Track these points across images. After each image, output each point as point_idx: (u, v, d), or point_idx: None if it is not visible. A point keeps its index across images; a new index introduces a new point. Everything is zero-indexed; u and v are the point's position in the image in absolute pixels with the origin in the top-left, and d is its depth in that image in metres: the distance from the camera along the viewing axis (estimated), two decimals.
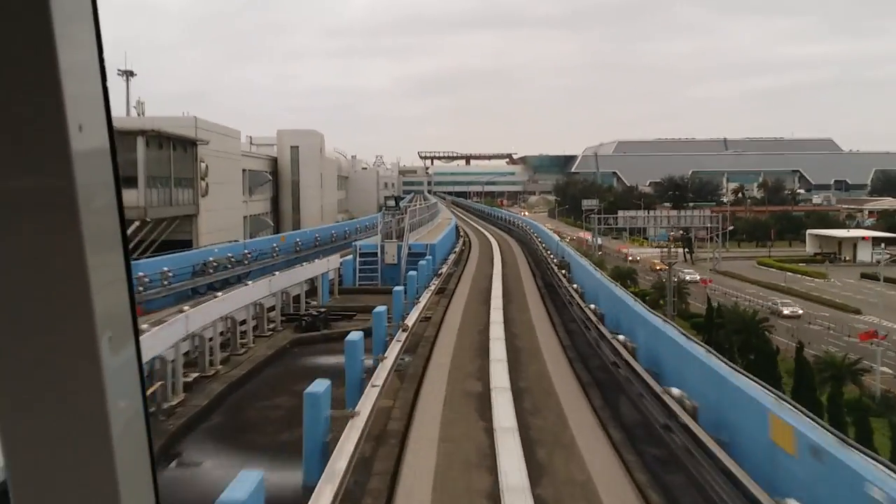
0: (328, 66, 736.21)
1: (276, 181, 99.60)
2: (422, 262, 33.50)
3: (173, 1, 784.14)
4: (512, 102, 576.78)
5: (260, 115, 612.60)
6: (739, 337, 56.54)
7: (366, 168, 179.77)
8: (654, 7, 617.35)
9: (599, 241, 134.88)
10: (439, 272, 35.22)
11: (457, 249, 50.39)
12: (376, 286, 37.21)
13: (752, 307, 79.99)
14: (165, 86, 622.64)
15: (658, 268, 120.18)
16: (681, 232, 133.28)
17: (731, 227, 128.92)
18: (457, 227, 64.91)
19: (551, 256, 41.46)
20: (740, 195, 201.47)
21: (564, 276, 32.73)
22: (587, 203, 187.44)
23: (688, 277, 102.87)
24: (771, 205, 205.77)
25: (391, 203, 41.89)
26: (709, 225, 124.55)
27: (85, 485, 1.41)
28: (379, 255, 38.25)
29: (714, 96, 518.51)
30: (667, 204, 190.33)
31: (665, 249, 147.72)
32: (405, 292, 26.79)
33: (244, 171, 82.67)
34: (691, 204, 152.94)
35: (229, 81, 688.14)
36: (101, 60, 1.41)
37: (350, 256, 39.69)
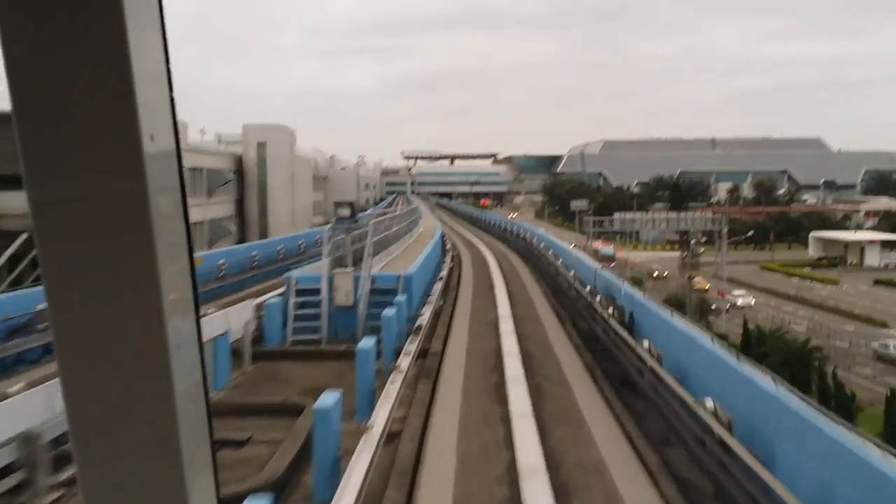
0: (312, 67, 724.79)
1: (241, 182, 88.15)
2: (388, 313, 19.24)
3: (156, 2, 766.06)
4: (496, 103, 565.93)
5: (244, 115, 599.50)
6: (788, 369, 45.07)
7: (345, 168, 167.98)
8: (637, 7, 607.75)
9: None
10: (418, 322, 21.07)
11: (443, 274, 35.85)
12: (319, 343, 22.53)
13: (785, 326, 69.17)
14: None
15: (657, 275, 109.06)
16: (677, 234, 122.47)
17: (726, 229, 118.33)
18: (443, 239, 51.23)
19: (588, 292, 27.13)
20: (735, 195, 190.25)
21: (618, 321, 21.15)
22: (576, 204, 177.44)
23: (740, 301, 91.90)
24: (762, 205, 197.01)
25: (344, 212, 26.42)
26: (711, 228, 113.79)
27: (151, 478, 1.46)
28: (324, 292, 22.81)
29: (697, 96, 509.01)
30: (658, 204, 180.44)
31: (667, 251, 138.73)
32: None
33: (197, 170, 70.96)
34: (691, 204, 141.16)
35: (213, 81, 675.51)
36: (168, 70, 1.46)
37: (276, 297, 23.34)
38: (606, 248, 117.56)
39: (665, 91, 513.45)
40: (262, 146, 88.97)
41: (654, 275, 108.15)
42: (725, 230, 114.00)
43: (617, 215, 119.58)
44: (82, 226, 1.34)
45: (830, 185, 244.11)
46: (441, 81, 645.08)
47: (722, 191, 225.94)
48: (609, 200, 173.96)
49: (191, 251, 1.54)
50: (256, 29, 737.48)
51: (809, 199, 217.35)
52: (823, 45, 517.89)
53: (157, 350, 1.38)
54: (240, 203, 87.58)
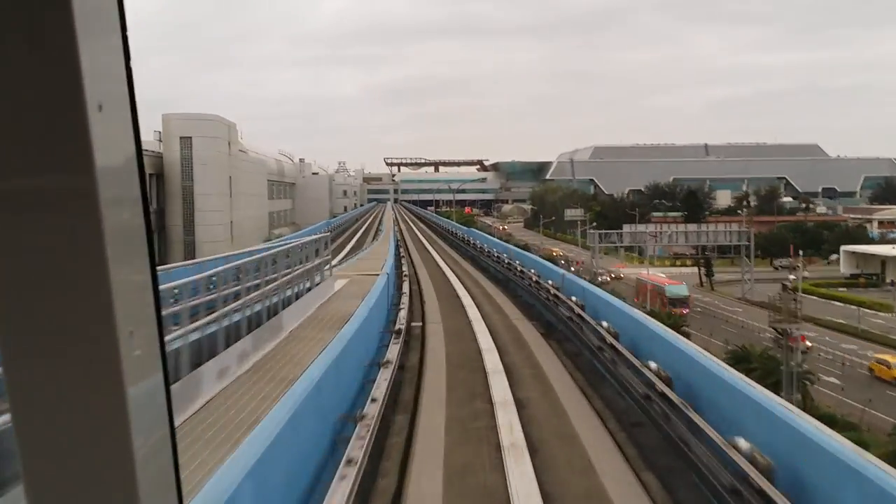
0: (295, 75, 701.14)
1: (161, 188, 66.26)
2: None
3: (141, 9, 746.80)
4: (481, 111, 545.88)
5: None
6: None
7: (317, 173, 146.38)
8: (619, 17, 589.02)
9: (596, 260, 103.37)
10: None
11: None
12: None
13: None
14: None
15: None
16: (693, 250, 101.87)
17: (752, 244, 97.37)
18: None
19: None
20: (744, 203, 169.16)
21: None
22: (571, 213, 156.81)
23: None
24: (764, 214, 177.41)
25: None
26: (736, 242, 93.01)
27: (104, 490, 1.30)
28: None
29: (681, 104, 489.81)
30: (657, 214, 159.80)
31: (677, 267, 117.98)
32: None
33: None
34: (707, 213, 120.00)
35: (197, 88, 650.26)
36: (128, 62, 1.29)
37: None
38: (676, 288, 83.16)
39: (649, 99, 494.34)
40: (186, 142, 66.60)
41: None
42: (752, 245, 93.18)
43: (627, 228, 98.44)
44: (27, 221, 1.17)
45: (830, 193, 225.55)
46: (426, 89, 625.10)
47: (722, 199, 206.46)
48: (607, 209, 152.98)
49: (152, 256, 1.36)
50: (241, 37, 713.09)
51: (820, 208, 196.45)
52: (804, 54, 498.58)
53: (109, 353, 1.21)
54: (159, 215, 65.49)
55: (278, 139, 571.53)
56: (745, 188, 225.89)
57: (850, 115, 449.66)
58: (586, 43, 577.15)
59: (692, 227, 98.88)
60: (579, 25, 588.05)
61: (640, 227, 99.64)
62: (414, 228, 75.11)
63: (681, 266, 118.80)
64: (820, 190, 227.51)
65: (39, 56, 1.11)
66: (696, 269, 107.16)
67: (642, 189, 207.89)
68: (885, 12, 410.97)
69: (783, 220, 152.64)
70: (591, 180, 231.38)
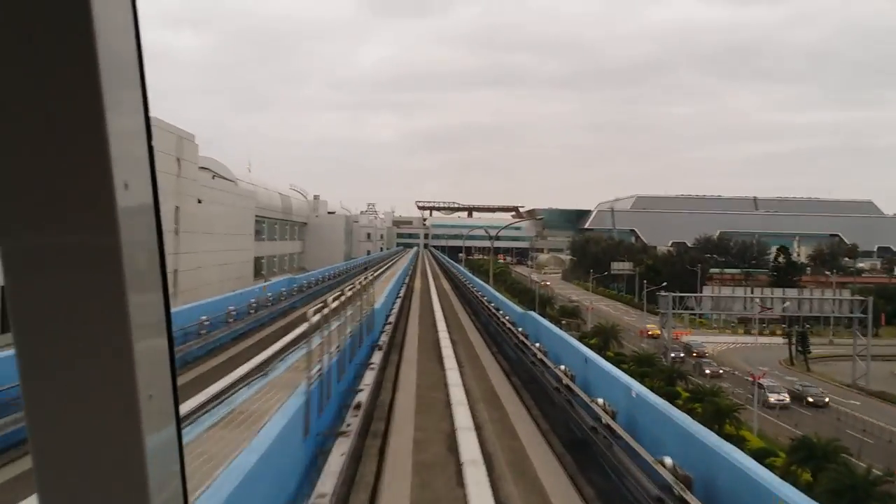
0: (335, 119, 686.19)
1: None
2: None
3: (182, 49, 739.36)
4: (516, 159, 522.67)
5: (268, 165, 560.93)
6: None
7: (333, 212, 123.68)
8: (657, 71, 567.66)
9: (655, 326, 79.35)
10: None
11: None
12: None
13: None
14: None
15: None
16: (783, 320, 77.44)
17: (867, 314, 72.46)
18: None
19: None
20: (820, 260, 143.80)
21: None
22: (618, 266, 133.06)
23: None
24: (816, 274, 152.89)
25: None
26: (852, 314, 68.64)
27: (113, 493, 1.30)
28: None
29: (717, 158, 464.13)
30: (715, 269, 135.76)
31: (740, 335, 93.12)
32: None
33: None
34: (797, 278, 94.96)
35: (238, 129, 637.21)
36: (147, 120, 1.35)
37: None
38: None
39: (686, 153, 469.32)
40: None
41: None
42: (871, 315, 68.72)
43: (708, 290, 74.59)
44: (52, 278, 1.22)
45: (884, 252, 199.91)
46: (463, 137, 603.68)
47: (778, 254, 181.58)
48: (659, 264, 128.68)
49: (167, 306, 1.41)
50: (280, 81, 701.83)
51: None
52: (842, 112, 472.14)
53: (130, 415, 1.24)
54: None
55: (315, 181, 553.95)
56: (796, 245, 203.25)
57: (889, 174, 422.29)
58: (623, 95, 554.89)
59: (791, 291, 74.66)
60: (617, 78, 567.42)
61: (724, 291, 74.76)
62: (432, 289, 51.89)
63: (742, 333, 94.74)
64: (875, 249, 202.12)
65: (69, 136, 1.16)
66: (775, 339, 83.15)
67: (688, 242, 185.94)
68: None
69: (863, 281, 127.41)
70: (632, 231, 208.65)
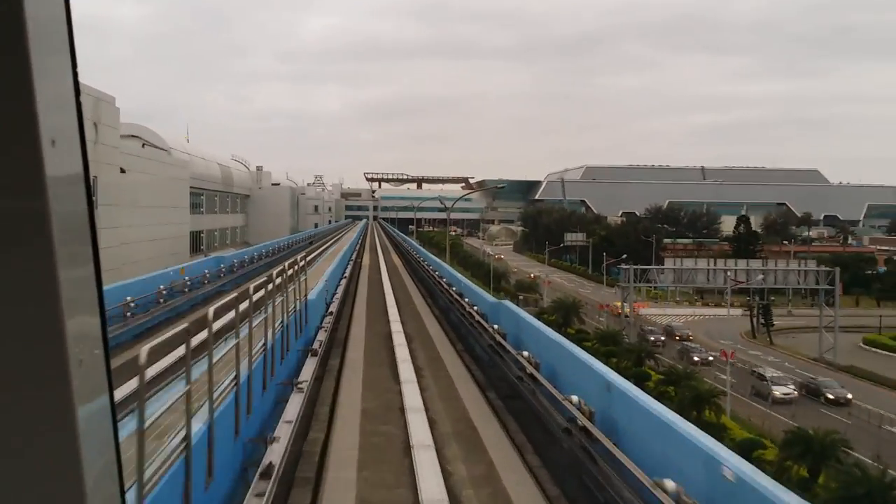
0: (282, 90, 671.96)
1: None
2: None
3: (123, 20, 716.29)
4: (466, 131, 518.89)
5: (214, 136, 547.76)
6: None
7: (277, 184, 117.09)
8: (604, 43, 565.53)
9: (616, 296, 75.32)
10: None
11: None
12: None
13: None
14: (120, 103, 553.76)
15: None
16: (748, 290, 74.10)
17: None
18: None
19: None
20: (768, 230, 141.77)
21: None
22: (572, 237, 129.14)
23: None
24: (769, 243, 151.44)
25: None
26: (818, 285, 65.28)
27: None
28: None
29: (664, 130, 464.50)
30: (668, 240, 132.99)
31: (700, 307, 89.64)
32: None
33: None
34: (757, 248, 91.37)
35: (184, 101, 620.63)
36: (76, 76, 1.27)
37: None
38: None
39: (633, 124, 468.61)
40: None
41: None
42: (838, 286, 65.56)
43: (670, 262, 70.76)
44: None
45: (831, 221, 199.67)
46: (411, 108, 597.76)
47: (728, 225, 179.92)
48: (613, 234, 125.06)
49: (98, 269, 1.32)
50: (226, 52, 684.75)
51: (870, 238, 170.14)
52: (782, 84, 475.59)
53: (59, 377, 1.15)
54: None
55: (262, 154, 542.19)
56: (743, 212, 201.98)
57: (832, 144, 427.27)
58: (571, 67, 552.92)
59: (753, 262, 71.12)
60: (564, 49, 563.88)
61: (686, 263, 70.80)
62: (382, 265, 46.66)
63: (702, 305, 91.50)
64: (822, 217, 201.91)
65: None
66: (733, 310, 79.96)
67: (638, 213, 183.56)
68: (860, 45, 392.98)
69: (817, 250, 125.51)
70: (583, 201, 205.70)
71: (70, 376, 1.14)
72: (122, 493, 1.39)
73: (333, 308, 23.63)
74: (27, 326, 1.13)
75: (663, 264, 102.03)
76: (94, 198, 1.14)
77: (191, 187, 78.63)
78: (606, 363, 51.65)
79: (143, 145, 63.72)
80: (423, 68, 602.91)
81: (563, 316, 62.98)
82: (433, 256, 39.77)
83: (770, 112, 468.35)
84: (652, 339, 62.96)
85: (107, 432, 1.33)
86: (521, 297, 73.64)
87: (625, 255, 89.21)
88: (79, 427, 1.17)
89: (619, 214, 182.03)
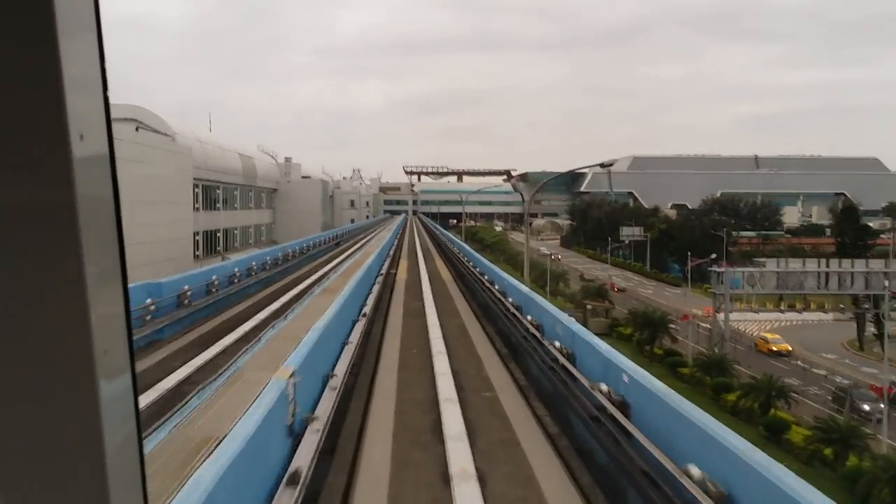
0: (320, 86, 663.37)
1: None
2: None
3: (168, 18, 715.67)
4: (505, 123, 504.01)
5: (255, 133, 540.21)
6: None
7: (308, 177, 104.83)
8: (643, 32, 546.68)
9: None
10: None
11: None
12: None
13: None
14: (160, 99, 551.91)
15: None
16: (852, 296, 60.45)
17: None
18: None
19: None
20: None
21: None
22: (627, 231, 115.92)
23: None
24: (823, 237, 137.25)
25: None
26: None
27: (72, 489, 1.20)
28: None
29: (704, 120, 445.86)
30: (741, 234, 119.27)
31: (773, 311, 74.96)
32: None
33: None
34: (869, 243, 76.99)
35: (224, 98, 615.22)
36: (104, 71, 1.26)
37: None
38: None
39: (672, 115, 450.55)
40: None
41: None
42: None
43: (773, 263, 57.45)
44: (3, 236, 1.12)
45: (890, 211, 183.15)
46: (450, 102, 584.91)
47: (790, 216, 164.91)
48: (675, 228, 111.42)
49: (123, 261, 1.31)
50: (266, 49, 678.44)
51: None
52: (826, 71, 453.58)
53: (84, 366, 1.15)
54: None
55: (301, 150, 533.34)
56: (800, 205, 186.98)
57: (888, 132, 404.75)
58: (610, 57, 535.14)
59: (860, 262, 57.44)
60: (603, 40, 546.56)
61: (792, 265, 57.05)
62: (424, 284, 32.89)
63: (772, 308, 77.63)
64: (881, 207, 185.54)
65: (23, 89, 1.08)
66: (822, 314, 66.70)
67: (688, 204, 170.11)
68: None
69: None
70: (630, 193, 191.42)
71: (95, 364, 1.14)
72: (144, 474, 1.35)
73: (334, 396, 11.23)
74: (55, 316, 1.12)
75: (735, 262, 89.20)
76: (118, 187, 1.22)
77: (207, 181, 67.05)
78: (717, 402, 38.27)
79: (138, 128, 51.78)
80: (461, 62, 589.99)
81: (651, 334, 50.14)
82: (503, 274, 26.58)
83: (816, 101, 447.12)
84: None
85: (129, 413, 1.31)
86: (589, 307, 60.70)
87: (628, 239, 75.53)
88: (102, 412, 1.16)
89: (669, 206, 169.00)
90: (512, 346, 17.66)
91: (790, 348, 56.78)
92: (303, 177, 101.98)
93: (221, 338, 18.17)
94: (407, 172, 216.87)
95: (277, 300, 25.35)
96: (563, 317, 14.77)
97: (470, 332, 20.65)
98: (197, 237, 64.84)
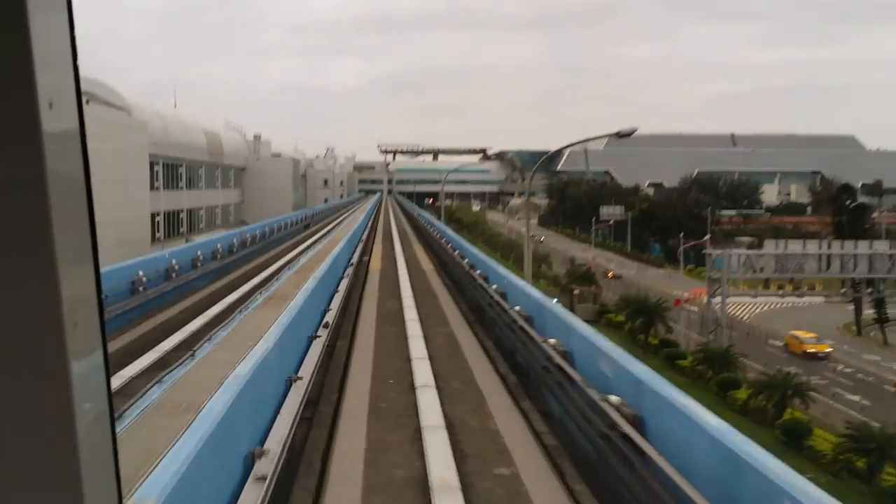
0: (294, 64, 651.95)
1: None
2: None
3: None
4: (480, 102, 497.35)
5: (227, 112, 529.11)
6: None
7: (279, 155, 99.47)
8: (618, 11, 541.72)
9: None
10: None
11: None
12: None
13: None
14: (131, 80, 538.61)
15: None
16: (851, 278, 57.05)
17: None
18: None
19: None
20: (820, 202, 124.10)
21: None
22: (608, 211, 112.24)
23: None
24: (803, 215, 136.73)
25: None
26: None
27: (49, 484, 1.16)
28: None
29: (677, 100, 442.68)
30: (724, 213, 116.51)
31: (765, 292, 71.06)
32: None
33: None
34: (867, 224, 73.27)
35: (195, 78, 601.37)
36: (73, 40, 1.18)
37: None
38: None
39: (647, 94, 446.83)
40: None
41: None
42: None
43: (771, 245, 53.71)
44: None
45: (869, 190, 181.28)
46: (425, 80, 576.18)
47: (769, 194, 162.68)
48: (655, 207, 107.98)
49: (94, 236, 1.24)
50: (238, 27, 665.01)
51: None
52: (800, 50, 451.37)
53: (55, 341, 1.10)
54: None
55: (275, 129, 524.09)
56: (777, 182, 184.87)
57: (861, 111, 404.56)
58: (586, 36, 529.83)
59: (880, 246, 53.67)
60: (579, 19, 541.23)
61: (792, 246, 53.20)
62: (400, 269, 28.27)
63: (765, 290, 73.96)
64: (859, 186, 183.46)
65: None
66: (813, 297, 63.50)
67: (665, 183, 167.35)
68: (876, 11, 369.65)
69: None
70: (607, 172, 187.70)
71: (65, 337, 1.09)
72: (115, 450, 1.29)
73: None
74: (24, 289, 1.06)
75: (718, 241, 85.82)
76: (89, 159, 1.17)
77: (168, 157, 62.08)
78: (723, 399, 34.26)
79: (88, 101, 46.64)
80: (436, 39, 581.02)
81: (646, 322, 46.10)
82: (491, 261, 22.35)
83: (791, 80, 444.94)
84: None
85: (100, 387, 1.24)
86: (575, 291, 56.63)
87: (682, 234, 71.74)
88: (73, 387, 1.10)
89: (647, 185, 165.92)
90: (523, 372, 13.34)
91: (829, 349, 51.64)
92: (273, 155, 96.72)
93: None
94: (382, 151, 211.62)
95: (212, 307, 20.62)
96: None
97: (464, 350, 16.16)
98: (157, 218, 59.97)
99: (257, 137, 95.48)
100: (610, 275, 79.00)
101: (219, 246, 29.27)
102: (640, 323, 46.56)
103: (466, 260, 24.88)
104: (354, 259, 27.99)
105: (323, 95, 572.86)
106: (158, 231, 59.79)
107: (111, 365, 1.19)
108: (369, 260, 31.64)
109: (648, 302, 47.77)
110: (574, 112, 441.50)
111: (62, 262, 1.07)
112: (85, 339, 1.17)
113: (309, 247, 37.25)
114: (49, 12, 1.07)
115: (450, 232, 37.66)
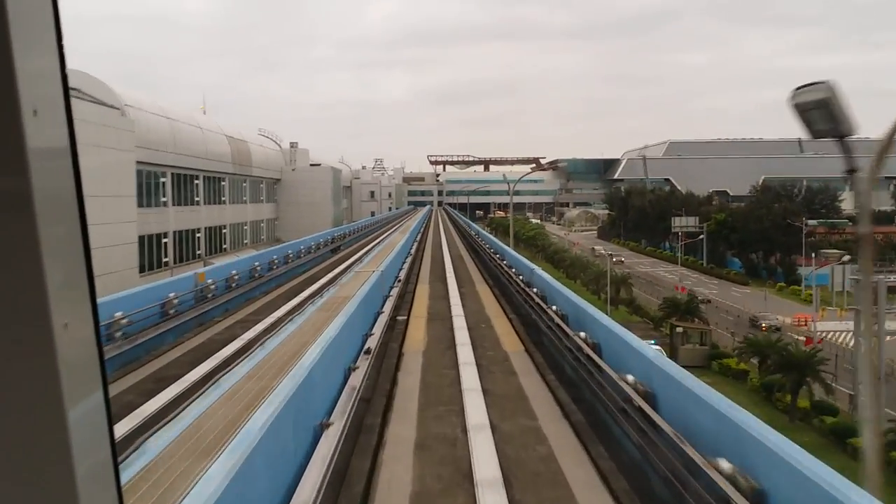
0: (345, 78, 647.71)
1: None
2: None
3: (191, 13, 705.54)
4: (531, 112, 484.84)
5: (279, 126, 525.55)
6: None
7: (318, 165, 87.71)
8: (667, 19, 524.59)
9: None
10: None
11: None
12: None
13: None
14: (185, 96, 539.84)
15: None
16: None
17: None
18: None
19: None
20: None
21: None
22: (681, 222, 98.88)
23: None
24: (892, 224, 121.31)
25: None
26: None
27: (43, 490, 1.08)
28: None
29: (729, 107, 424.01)
30: (813, 222, 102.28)
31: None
32: None
33: None
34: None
35: (248, 92, 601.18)
36: (60, 42, 1.10)
37: None
38: None
39: (698, 101, 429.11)
40: None
41: None
42: None
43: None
44: None
45: None
46: (475, 92, 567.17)
47: (849, 202, 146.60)
48: (737, 219, 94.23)
49: (87, 249, 1.14)
50: (291, 43, 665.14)
51: None
52: (852, 56, 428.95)
53: (46, 363, 1.02)
54: None
55: (324, 142, 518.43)
56: (848, 189, 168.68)
57: None
58: (634, 46, 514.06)
59: None
60: (627, 28, 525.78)
61: None
62: (459, 348, 15.29)
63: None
64: None
65: None
66: None
67: (729, 191, 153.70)
68: None
69: None
70: (667, 180, 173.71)
71: (55, 344, 1.00)
72: (114, 446, 1.22)
73: None
74: (10, 304, 0.98)
75: (816, 256, 72.50)
76: (80, 172, 1.11)
77: (178, 168, 51.17)
78: None
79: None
80: (485, 51, 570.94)
81: (796, 380, 32.96)
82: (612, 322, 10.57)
83: (847, 84, 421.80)
84: None
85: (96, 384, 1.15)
86: (679, 330, 43.61)
87: (769, 247, 57.88)
88: (64, 393, 1.02)
89: (709, 192, 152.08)
90: None
91: None
92: (311, 164, 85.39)
93: None
94: (431, 162, 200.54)
95: None
96: None
97: None
98: (165, 240, 48.94)
99: (293, 145, 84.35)
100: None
101: (171, 295, 17.21)
102: (784, 378, 33.24)
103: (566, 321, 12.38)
104: (377, 331, 15.17)
105: (372, 108, 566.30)
106: (165, 255, 48.75)
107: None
108: (407, 323, 18.45)
109: (797, 353, 34.27)
110: (626, 120, 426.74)
111: (52, 278, 1.00)
112: (78, 349, 1.08)
113: (327, 283, 25.01)
114: (33, 20, 0.99)
115: (545, 275, 19.72)
